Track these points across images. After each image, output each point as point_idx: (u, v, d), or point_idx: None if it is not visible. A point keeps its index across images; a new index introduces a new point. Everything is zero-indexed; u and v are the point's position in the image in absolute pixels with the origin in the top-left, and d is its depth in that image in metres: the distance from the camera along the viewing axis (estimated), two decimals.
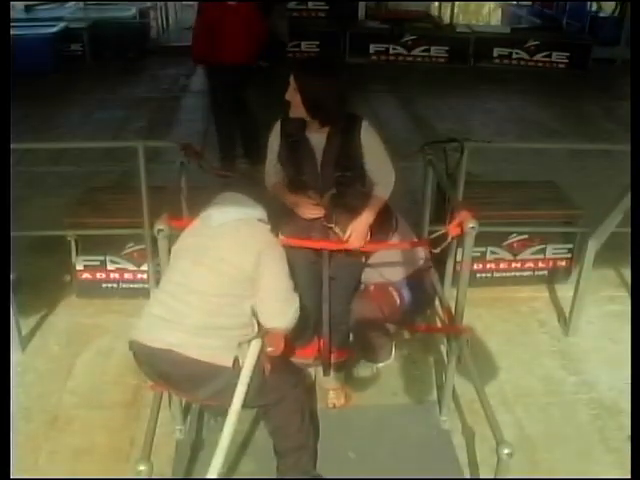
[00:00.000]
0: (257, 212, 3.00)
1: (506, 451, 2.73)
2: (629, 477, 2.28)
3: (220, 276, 2.82)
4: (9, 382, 3.07)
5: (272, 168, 3.41)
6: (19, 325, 4.22)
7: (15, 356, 4.07)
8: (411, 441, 3.61)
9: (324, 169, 3.25)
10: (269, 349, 2.97)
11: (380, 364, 3.83)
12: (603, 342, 4.45)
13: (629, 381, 3.50)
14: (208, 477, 2.80)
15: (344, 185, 3.26)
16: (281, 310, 2.93)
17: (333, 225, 3.29)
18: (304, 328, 3.58)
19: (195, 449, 3.51)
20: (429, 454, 3.55)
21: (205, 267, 2.84)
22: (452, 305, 3.50)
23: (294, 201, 3.33)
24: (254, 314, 2.90)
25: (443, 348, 3.85)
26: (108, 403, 3.80)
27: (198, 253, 2.90)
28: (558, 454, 3.58)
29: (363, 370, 3.88)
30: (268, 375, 2.95)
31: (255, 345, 2.89)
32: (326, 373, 3.69)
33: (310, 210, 3.28)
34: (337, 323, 3.53)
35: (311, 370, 3.87)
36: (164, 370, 2.87)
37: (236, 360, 2.80)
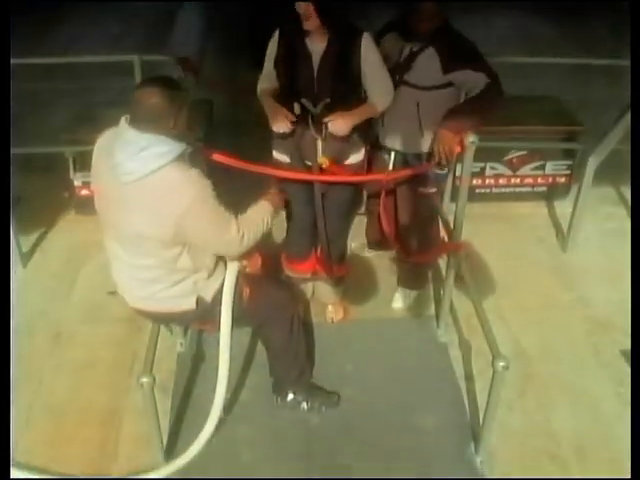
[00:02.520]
0: (174, 146, 2.45)
1: (501, 364, 2.78)
2: (629, 477, 2.33)
3: (145, 251, 2.62)
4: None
5: (267, 76, 3.29)
6: (19, 242, 4.25)
7: (16, 273, 4.11)
8: (408, 354, 3.69)
9: (320, 76, 3.11)
10: (247, 269, 2.94)
11: (415, 293, 3.95)
12: (600, 259, 4.49)
13: (624, 298, 3.54)
14: (214, 407, 2.90)
15: (339, 95, 3.12)
16: (223, 249, 2.76)
17: (322, 138, 3.18)
18: (300, 244, 3.61)
19: (196, 362, 3.60)
20: (426, 367, 3.62)
21: (128, 244, 2.66)
22: (451, 220, 3.51)
23: (272, 109, 3.16)
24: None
25: (441, 263, 3.87)
26: (110, 318, 3.85)
27: (116, 229, 2.67)
28: (552, 368, 3.65)
29: (399, 301, 3.97)
30: (248, 299, 2.93)
31: (231, 269, 2.86)
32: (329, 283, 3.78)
33: (279, 122, 3.11)
34: (334, 239, 3.54)
35: (309, 285, 3.92)
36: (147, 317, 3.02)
37: (199, 299, 2.78)
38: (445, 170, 3.42)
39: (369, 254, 4.30)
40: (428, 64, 3.22)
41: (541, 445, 3.26)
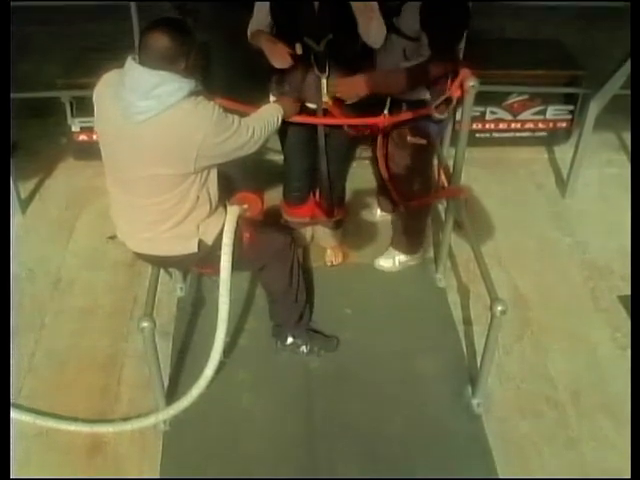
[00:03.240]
0: (186, 83, 2.45)
1: (500, 308, 2.80)
2: (629, 477, 2.34)
3: (155, 188, 2.62)
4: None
5: (258, 19, 3.18)
6: (18, 189, 4.24)
7: (16, 219, 4.11)
8: (407, 299, 3.72)
9: (323, 11, 2.98)
10: (247, 212, 2.96)
11: (405, 257, 3.90)
12: (599, 205, 4.48)
13: (623, 244, 3.55)
14: (214, 350, 2.90)
15: (343, 32, 3.00)
16: (240, 153, 2.71)
17: (325, 76, 3.09)
18: (299, 188, 3.60)
19: (196, 306, 3.63)
20: (424, 311, 3.66)
21: (138, 185, 2.63)
22: (450, 165, 3.50)
23: (269, 45, 3.05)
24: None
25: (441, 207, 3.87)
26: (110, 263, 3.87)
27: (126, 171, 2.63)
28: (549, 313, 3.68)
29: (385, 261, 3.92)
30: (248, 243, 2.93)
31: (232, 213, 2.87)
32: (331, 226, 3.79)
33: (279, 57, 3.02)
34: (333, 181, 3.51)
35: (308, 230, 3.93)
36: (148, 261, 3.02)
37: (200, 243, 2.79)
38: (445, 115, 3.37)
39: (380, 217, 4.25)
40: (413, 13, 3.05)
41: (537, 389, 3.30)
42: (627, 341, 3.48)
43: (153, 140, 2.49)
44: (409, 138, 3.37)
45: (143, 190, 2.64)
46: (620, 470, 2.94)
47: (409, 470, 2.94)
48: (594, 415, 3.21)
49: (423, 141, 3.39)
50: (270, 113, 2.89)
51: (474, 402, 3.17)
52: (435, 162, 3.62)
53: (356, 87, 3.09)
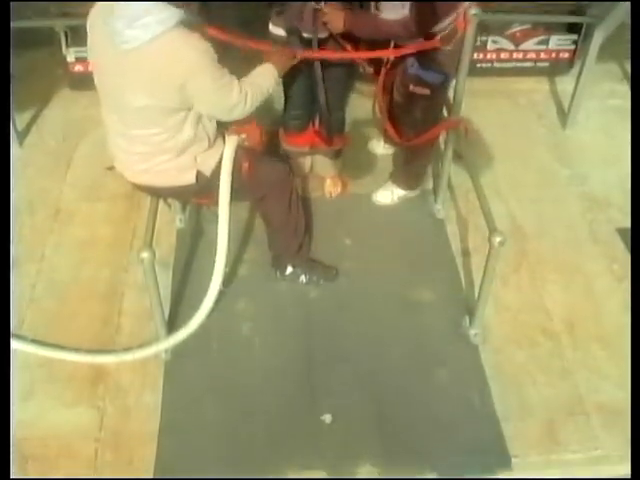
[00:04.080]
0: (174, 12, 2.39)
1: (498, 239, 2.82)
2: (629, 477, 2.35)
3: (148, 121, 2.60)
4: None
5: None
6: (14, 121, 4.19)
7: (13, 151, 4.07)
8: (406, 229, 3.73)
9: None
10: (245, 142, 2.94)
11: (403, 192, 3.87)
12: (600, 137, 4.45)
13: (622, 176, 3.54)
14: (214, 280, 2.92)
15: None
16: (227, 113, 2.72)
17: (321, 6, 3.04)
18: (298, 116, 3.58)
19: (195, 237, 3.64)
20: (423, 242, 3.68)
21: (130, 116, 2.62)
22: (450, 95, 3.46)
23: None
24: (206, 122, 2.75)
25: (440, 138, 3.84)
26: (108, 195, 3.86)
27: (117, 101, 2.61)
28: (547, 244, 3.70)
29: (383, 195, 3.90)
30: (246, 173, 2.92)
31: (230, 143, 2.86)
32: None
33: None
34: (332, 109, 3.45)
35: (307, 159, 3.91)
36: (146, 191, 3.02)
37: (198, 174, 2.79)
38: (449, 47, 3.29)
39: (384, 150, 4.20)
40: None
41: (534, 320, 3.35)
42: (623, 273, 3.51)
43: (139, 69, 2.45)
44: (411, 87, 3.32)
45: (135, 121, 2.63)
46: (613, 400, 3.03)
47: (407, 398, 3.00)
48: (589, 346, 3.26)
49: (426, 91, 3.34)
50: (265, 78, 2.83)
51: (471, 332, 3.22)
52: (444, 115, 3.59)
53: (335, 20, 3.05)
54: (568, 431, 2.97)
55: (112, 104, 2.66)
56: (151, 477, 2.78)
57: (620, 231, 3.74)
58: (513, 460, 2.86)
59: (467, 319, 3.27)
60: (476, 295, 3.18)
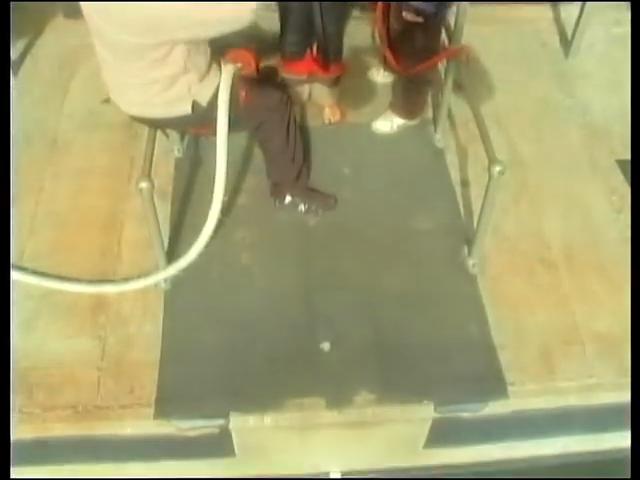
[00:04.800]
0: None
1: (498, 169, 2.81)
2: (629, 477, 2.34)
3: (132, 55, 2.56)
4: None
5: None
6: None
7: None
8: (405, 158, 3.71)
9: None
10: (242, 71, 2.90)
11: (403, 121, 3.82)
12: (603, 67, 4.38)
13: (624, 107, 3.49)
14: (212, 208, 2.92)
15: None
16: (228, 25, 2.57)
17: None
18: (296, 43, 3.53)
19: (193, 167, 3.62)
20: (423, 171, 3.66)
21: (114, 49, 2.60)
22: (451, 23, 3.40)
23: None
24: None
25: (440, 67, 3.77)
26: (106, 124, 3.81)
27: (100, 35, 2.60)
28: (547, 175, 3.68)
29: (382, 124, 3.85)
30: (244, 102, 2.90)
31: (227, 72, 2.82)
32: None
33: None
34: (330, 35, 3.39)
35: (305, 88, 3.87)
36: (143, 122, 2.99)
37: (194, 104, 2.76)
38: None
39: (383, 79, 4.13)
40: None
41: (532, 250, 3.36)
42: (622, 204, 3.52)
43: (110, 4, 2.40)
44: (404, 14, 3.26)
45: (121, 54, 2.60)
46: (609, 330, 3.07)
47: (405, 326, 3.03)
48: (586, 275, 3.27)
49: (419, 19, 3.26)
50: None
51: (470, 262, 3.23)
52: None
53: None
54: (564, 359, 3.00)
55: (98, 37, 2.63)
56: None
57: (620, 163, 3.72)
58: (509, 388, 2.90)
59: (466, 249, 3.28)
60: (475, 225, 3.18)
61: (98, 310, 3.11)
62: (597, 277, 3.27)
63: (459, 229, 3.39)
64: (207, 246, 3.01)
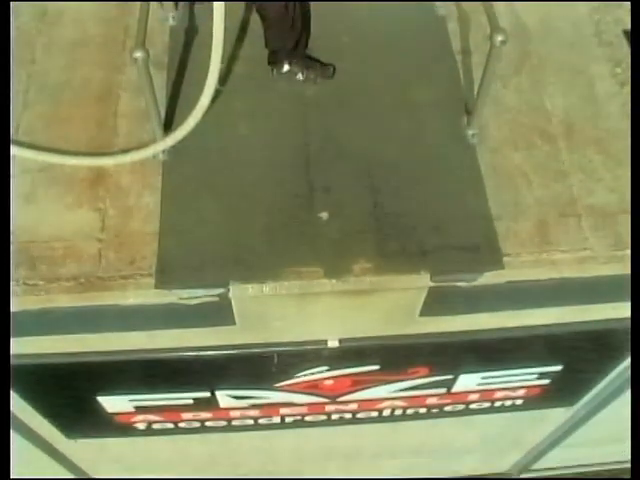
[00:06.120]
0: None
1: (500, 38, 2.74)
2: (629, 477, 2.30)
3: None
4: None
5: None
6: None
7: None
8: (406, 27, 3.59)
9: None
10: None
11: None
12: None
13: None
14: (209, 76, 2.85)
15: None
16: None
17: None
18: None
19: (189, 35, 3.51)
20: (423, 40, 3.56)
21: None
22: None
23: None
24: None
25: None
26: None
27: None
28: (551, 45, 3.59)
29: None
30: None
31: None
32: None
33: None
34: None
35: None
36: None
37: None
38: None
39: None
40: None
41: (532, 122, 3.32)
42: (626, 77, 3.46)
43: None
44: None
45: None
46: (605, 203, 3.10)
47: (403, 196, 3.04)
48: (585, 149, 3.26)
49: None
50: None
51: (469, 132, 3.20)
52: None
53: None
54: (559, 231, 3.04)
55: None
56: None
57: (627, 33, 3.62)
58: (505, 259, 2.94)
59: (465, 119, 3.24)
60: (475, 95, 3.13)
61: (97, 183, 3.11)
62: (596, 150, 3.25)
63: (459, 99, 3.34)
64: (204, 116, 2.97)
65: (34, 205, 3.05)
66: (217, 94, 3.03)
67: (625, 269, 2.93)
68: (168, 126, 3.15)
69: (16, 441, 4.23)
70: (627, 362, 3.93)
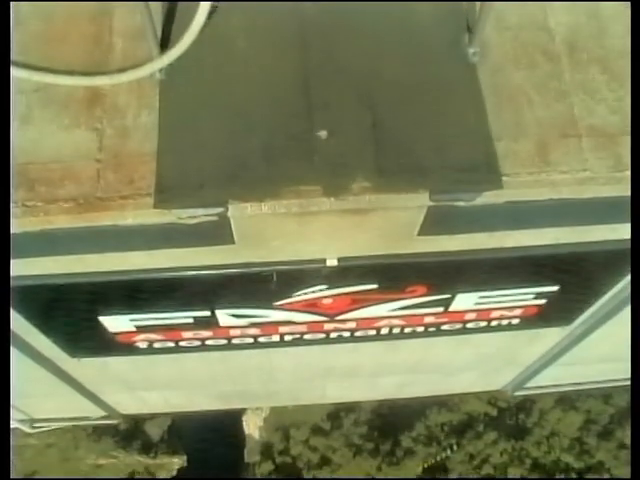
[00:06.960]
0: None
1: None
2: (629, 477, 2.26)
3: None
4: None
5: None
6: None
7: None
8: None
9: None
10: None
11: None
12: None
13: None
14: None
15: None
16: None
17: None
18: None
19: None
20: None
21: None
22: None
23: None
24: None
25: None
26: None
27: None
28: None
29: None
30: None
31: None
32: None
33: None
34: None
35: None
36: None
37: None
38: None
39: None
40: None
41: (535, 40, 3.26)
42: None
43: None
44: None
45: None
46: (606, 124, 3.07)
47: (403, 115, 3.01)
48: (588, 69, 3.21)
49: None
50: None
51: (470, 50, 3.15)
52: None
53: None
54: (559, 152, 3.02)
55: None
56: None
57: None
58: (504, 179, 2.94)
59: (466, 37, 3.18)
60: (477, 12, 3.06)
61: (93, 102, 3.08)
62: (599, 70, 3.21)
63: (460, 15, 3.25)
64: (200, 33, 2.93)
65: (31, 126, 3.02)
66: (213, 10, 2.98)
67: (624, 191, 2.93)
68: (164, 44, 3.09)
69: (23, 361, 4.32)
70: (623, 283, 3.98)
